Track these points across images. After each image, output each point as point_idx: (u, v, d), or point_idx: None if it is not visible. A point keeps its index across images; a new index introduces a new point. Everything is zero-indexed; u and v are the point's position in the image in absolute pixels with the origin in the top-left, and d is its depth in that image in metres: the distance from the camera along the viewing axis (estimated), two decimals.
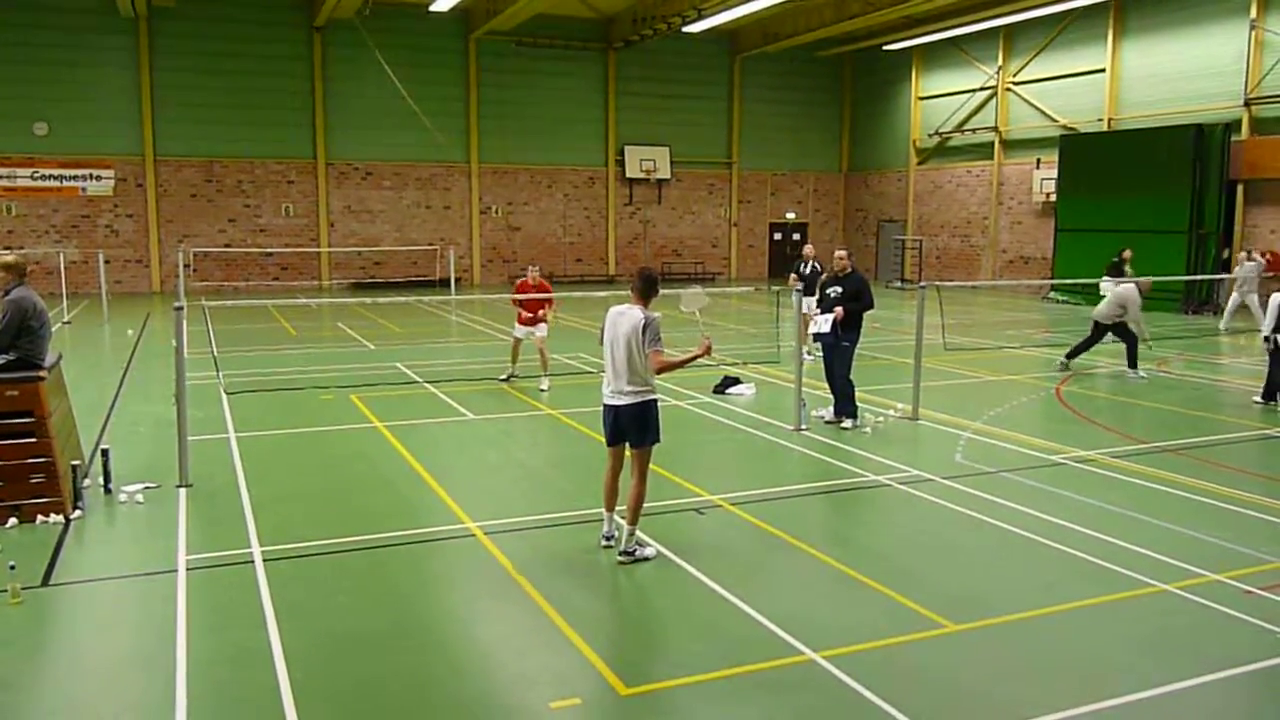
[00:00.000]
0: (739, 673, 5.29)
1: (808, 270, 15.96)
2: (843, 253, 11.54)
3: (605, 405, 7.09)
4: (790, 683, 5.23)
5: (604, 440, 7.19)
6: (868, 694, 5.02)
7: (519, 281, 14.35)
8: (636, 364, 6.86)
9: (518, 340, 14.22)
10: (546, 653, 5.54)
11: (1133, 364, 14.91)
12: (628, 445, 7.09)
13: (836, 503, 8.74)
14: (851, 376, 11.31)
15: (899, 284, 33.38)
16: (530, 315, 13.98)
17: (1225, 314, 21.36)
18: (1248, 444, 10.76)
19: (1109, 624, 5.95)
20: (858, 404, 11.42)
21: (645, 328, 6.77)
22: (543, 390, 13.50)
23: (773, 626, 5.81)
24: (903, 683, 5.16)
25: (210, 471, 9.19)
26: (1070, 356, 15.56)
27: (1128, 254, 18.73)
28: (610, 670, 5.27)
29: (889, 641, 5.65)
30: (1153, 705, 4.99)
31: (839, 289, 11.25)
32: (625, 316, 6.90)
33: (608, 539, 7.23)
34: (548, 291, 14.08)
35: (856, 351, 11.39)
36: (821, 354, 11.76)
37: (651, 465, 9.49)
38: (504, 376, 14.20)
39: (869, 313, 11.50)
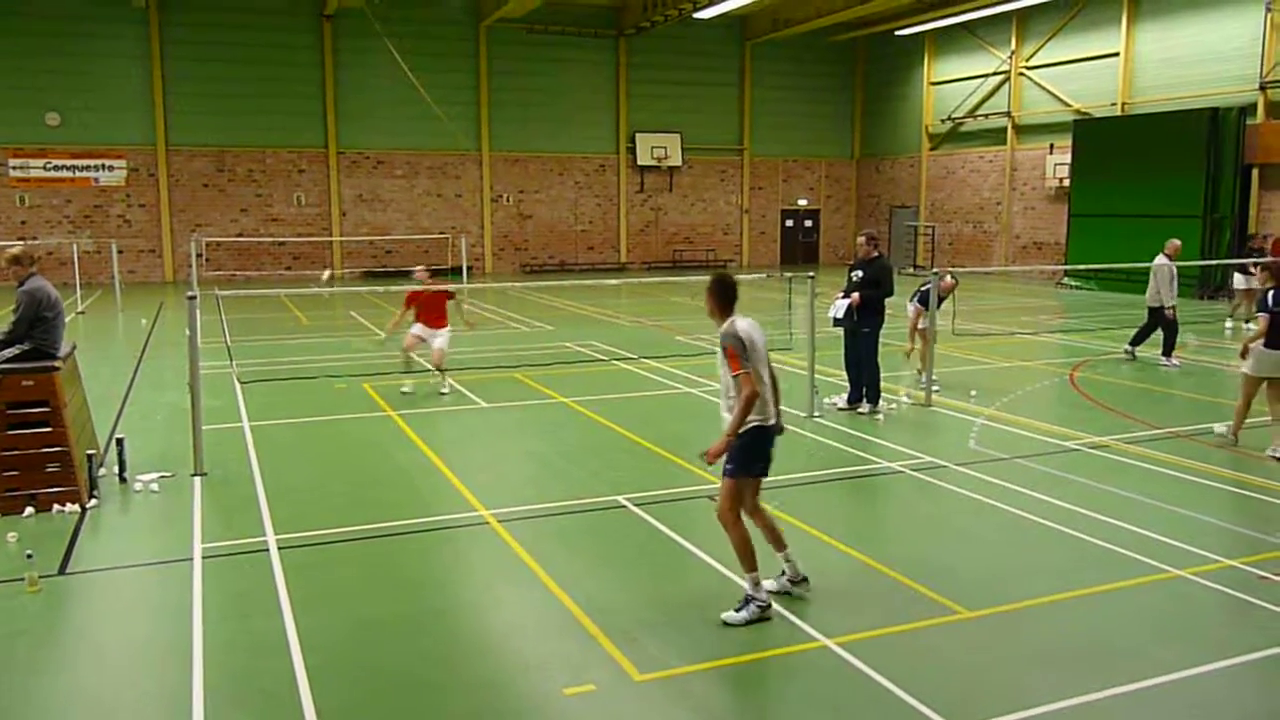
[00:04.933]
0: (752, 659, 5.29)
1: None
2: (862, 237, 11.47)
3: (770, 427, 5.85)
4: (804, 669, 5.24)
5: (758, 473, 5.90)
6: (882, 680, 5.02)
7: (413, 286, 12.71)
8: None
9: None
10: (560, 639, 5.55)
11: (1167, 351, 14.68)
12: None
13: (850, 489, 8.73)
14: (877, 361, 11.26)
15: (911, 270, 33.21)
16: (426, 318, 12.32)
17: None
18: (1262, 429, 10.69)
19: (1123, 610, 5.93)
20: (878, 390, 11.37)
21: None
22: (405, 393, 12.22)
23: (786, 613, 5.81)
24: (918, 669, 5.15)
25: (225, 460, 9.23)
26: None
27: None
28: (624, 656, 5.29)
29: (903, 628, 5.64)
30: (1167, 691, 4.97)
31: (860, 273, 11.22)
32: (758, 330, 5.86)
33: (798, 580, 6.06)
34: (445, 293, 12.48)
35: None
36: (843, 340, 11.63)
37: (664, 452, 9.62)
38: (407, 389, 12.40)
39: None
